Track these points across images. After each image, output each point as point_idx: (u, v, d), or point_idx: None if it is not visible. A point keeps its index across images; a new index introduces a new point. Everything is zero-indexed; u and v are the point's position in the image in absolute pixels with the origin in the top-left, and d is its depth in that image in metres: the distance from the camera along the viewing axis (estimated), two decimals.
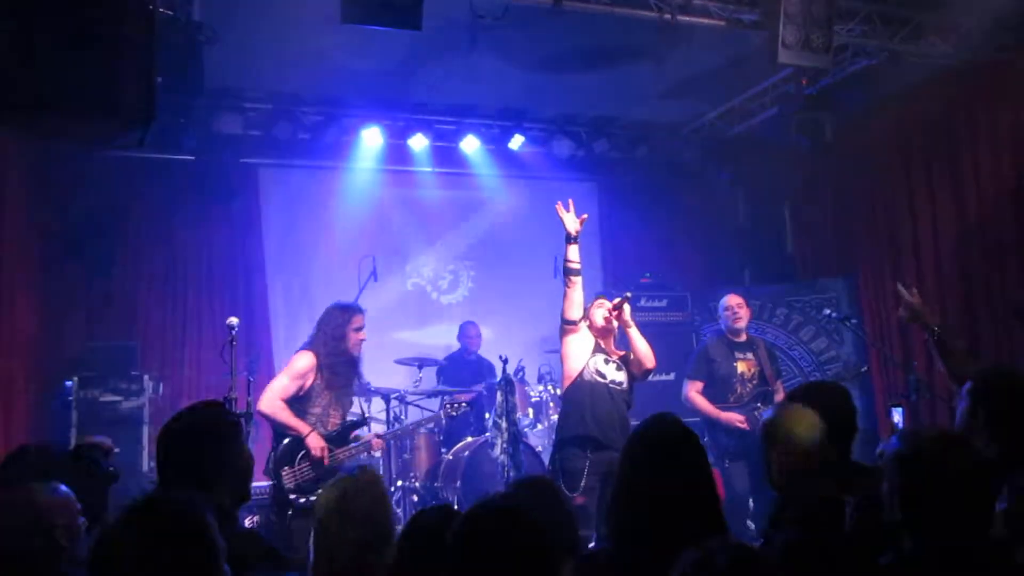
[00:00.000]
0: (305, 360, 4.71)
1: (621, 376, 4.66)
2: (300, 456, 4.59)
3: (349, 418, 4.94)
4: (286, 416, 4.62)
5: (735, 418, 5.49)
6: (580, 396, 4.58)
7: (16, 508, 2.50)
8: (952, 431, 2.61)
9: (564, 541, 2.54)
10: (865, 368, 6.58)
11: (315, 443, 4.58)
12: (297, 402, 4.67)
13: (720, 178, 8.52)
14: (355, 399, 5.14)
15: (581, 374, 4.61)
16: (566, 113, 7.92)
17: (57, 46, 3.20)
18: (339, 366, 4.75)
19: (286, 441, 4.63)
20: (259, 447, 5.04)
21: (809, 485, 2.42)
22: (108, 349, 6.43)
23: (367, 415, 5.19)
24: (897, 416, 3.53)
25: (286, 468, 4.57)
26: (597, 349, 4.68)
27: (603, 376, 4.62)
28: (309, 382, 4.69)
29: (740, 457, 5.44)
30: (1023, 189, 6.08)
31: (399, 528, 2.50)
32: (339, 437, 4.78)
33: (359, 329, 4.84)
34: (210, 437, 2.29)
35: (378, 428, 5.68)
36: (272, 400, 4.63)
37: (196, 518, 1.74)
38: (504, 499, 2.00)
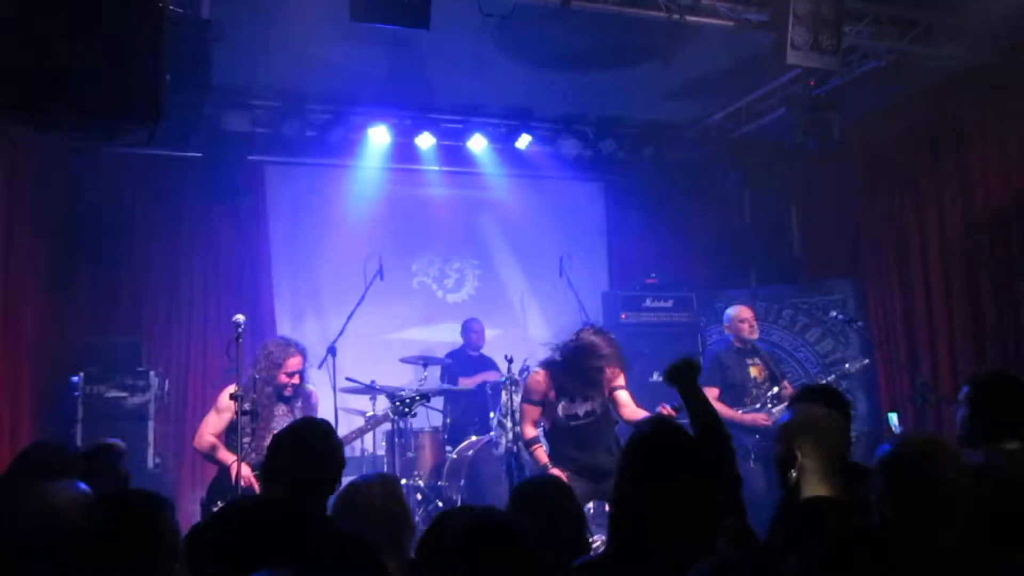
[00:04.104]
0: (227, 394, 4.74)
1: (591, 405, 4.69)
2: (229, 487, 4.58)
3: None
4: (212, 450, 4.76)
5: (759, 418, 5.56)
6: (558, 439, 4.72)
7: (30, 502, 2.49)
8: (941, 437, 2.61)
9: (568, 545, 2.54)
10: (862, 362, 6.50)
11: (242, 472, 4.49)
12: (232, 432, 4.70)
13: (727, 179, 8.50)
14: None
15: (555, 422, 4.71)
16: (573, 113, 7.91)
17: (67, 42, 3.22)
18: (262, 398, 4.73)
19: (215, 477, 4.76)
20: None
21: (823, 487, 2.39)
22: (114, 345, 6.44)
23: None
24: (894, 420, 3.52)
25: (218, 503, 4.60)
26: (560, 394, 4.70)
27: (576, 416, 4.68)
28: (232, 413, 4.71)
29: (760, 457, 5.51)
30: None
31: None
32: None
33: (291, 374, 4.85)
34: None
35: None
36: (200, 437, 4.81)
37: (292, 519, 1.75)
38: (498, 516, 1.92)
